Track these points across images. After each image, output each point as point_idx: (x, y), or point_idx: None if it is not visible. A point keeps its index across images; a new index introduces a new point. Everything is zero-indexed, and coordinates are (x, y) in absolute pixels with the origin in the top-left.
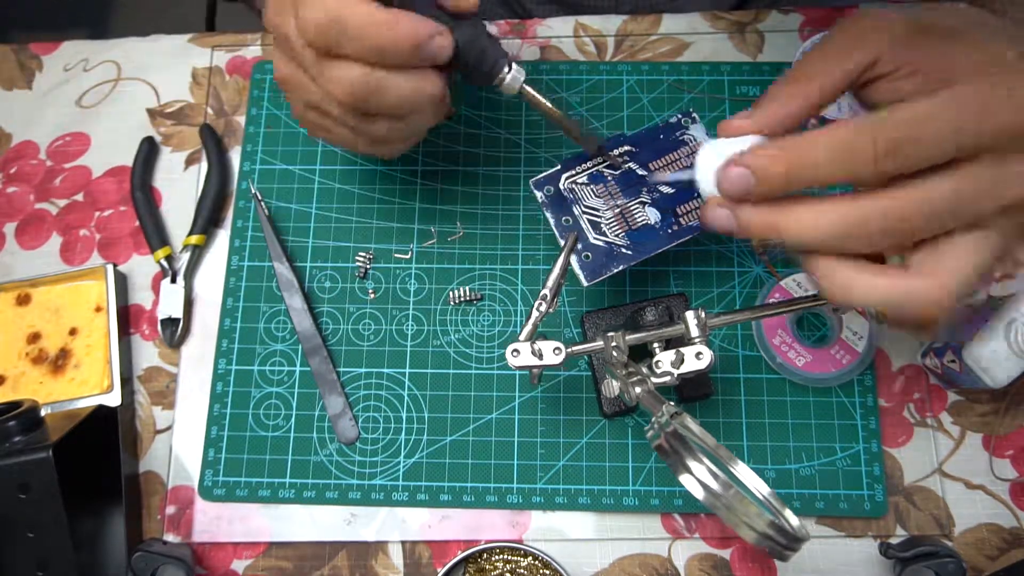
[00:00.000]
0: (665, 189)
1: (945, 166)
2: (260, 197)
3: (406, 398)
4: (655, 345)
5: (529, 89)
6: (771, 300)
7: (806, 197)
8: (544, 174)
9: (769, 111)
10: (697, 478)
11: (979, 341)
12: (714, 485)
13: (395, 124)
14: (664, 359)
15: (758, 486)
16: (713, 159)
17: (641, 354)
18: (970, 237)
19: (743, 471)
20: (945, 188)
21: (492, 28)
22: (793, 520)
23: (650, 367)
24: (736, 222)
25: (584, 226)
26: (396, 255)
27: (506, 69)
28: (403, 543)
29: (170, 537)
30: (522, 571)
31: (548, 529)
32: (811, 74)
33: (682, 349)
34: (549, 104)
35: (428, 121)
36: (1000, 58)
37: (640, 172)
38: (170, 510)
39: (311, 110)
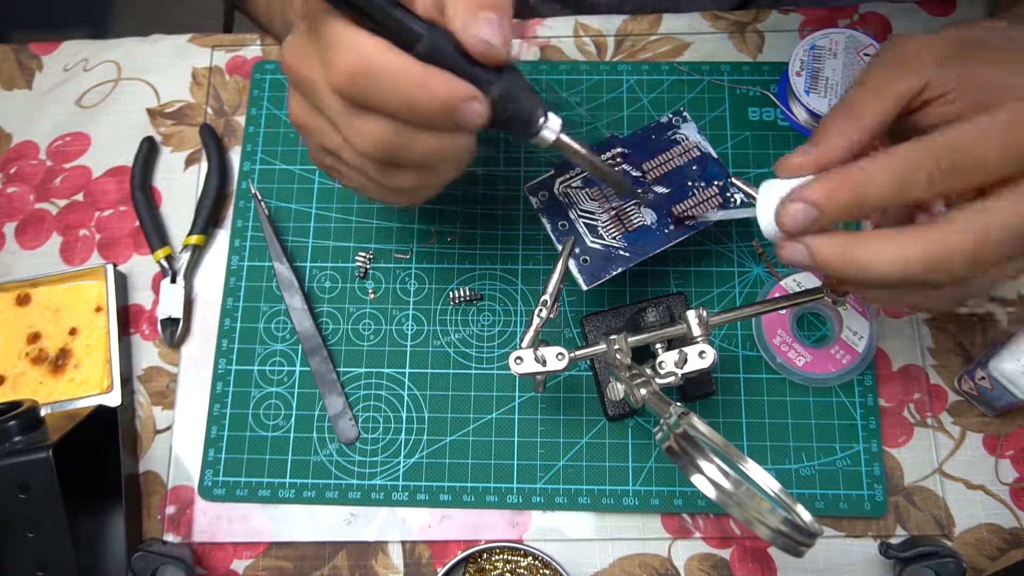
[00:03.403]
0: (660, 189)
1: (1008, 183)
2: (260, 197)
3: (406, 398)
4: (657, 346)
5: (566, 139)
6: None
7: (879, 230)
8: (538, 179)
9: (827, 147)
10: (709, 478)
11: (1005, 355)
12: (726, 484)
13: (418, 177)
14: (668, 359)
15: (768, 483)
16: (773, 200)
17: (643, 355)
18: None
19: (753, 468)
20: (1020, 208)
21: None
22: (805, 515)
23: (654, 368)
24: (812, 257)
25: (581, 230)
26: (396, 255)
27: (542, 120)
28: (403, 543)
29: (170, 537)
30: (522, 571)
31: (548, 529)
32: (863, 104)
33: (685, 349)
34: (587, 152)
35: (453, 175)
36: None
37: (635, 174)
38: (170, 510)
39: (329, 155)
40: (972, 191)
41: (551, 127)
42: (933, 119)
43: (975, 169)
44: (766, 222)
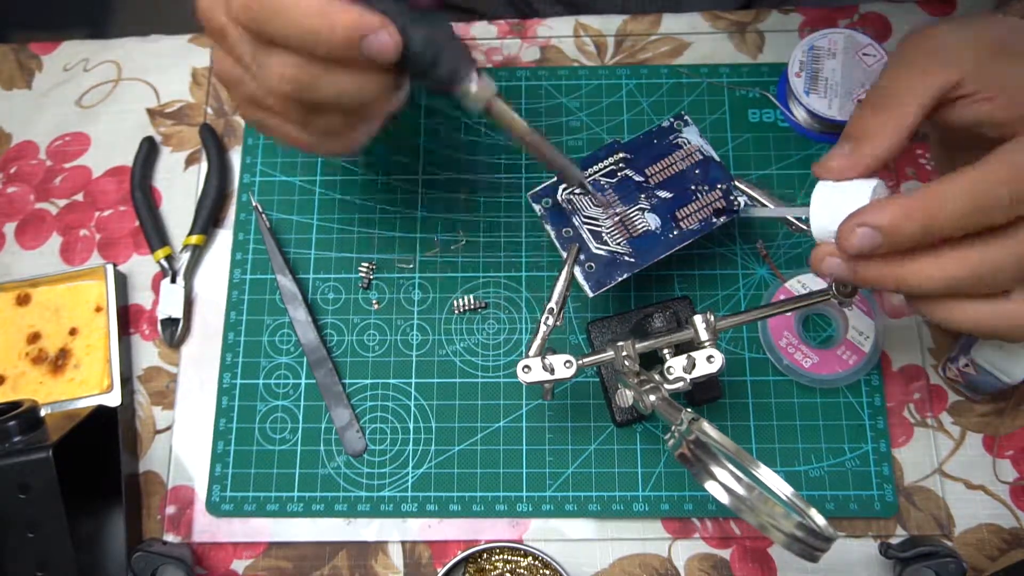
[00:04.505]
0: (663, 194)
1: None
2: (261, 209)
3: (413, 408)
4: (665, 351)
5: (501, 104)
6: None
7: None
8: (541, 186)
9: (872, 148)
10: (722, 484)
11: (987, 341)
12: (739, 489)
13: (343, 120)
14: (676, 365)
15: (781, 487)
16: (829, 208)
17: (650, 360)
18: None
19: (765, 473)
20: None
21: (485, 30)
22: (819, 519)
23: (662, 374)
24: (854, 275)
25: (585, 236)
26: (399, 265)
27: (472, 77)
28: (403, 543)
29: (170, 537)
30: (522, 571)
31: (548, 529)
32: (900, 98)
33: (693, 354)
34: (524, 124)
35: (380, 116)
36: None
37: (638, 179)
38: (170, 510)
39: (252, 106)
40: None
41: (482, 86)
42: (965, 117)
43: None
44: (820, 228)
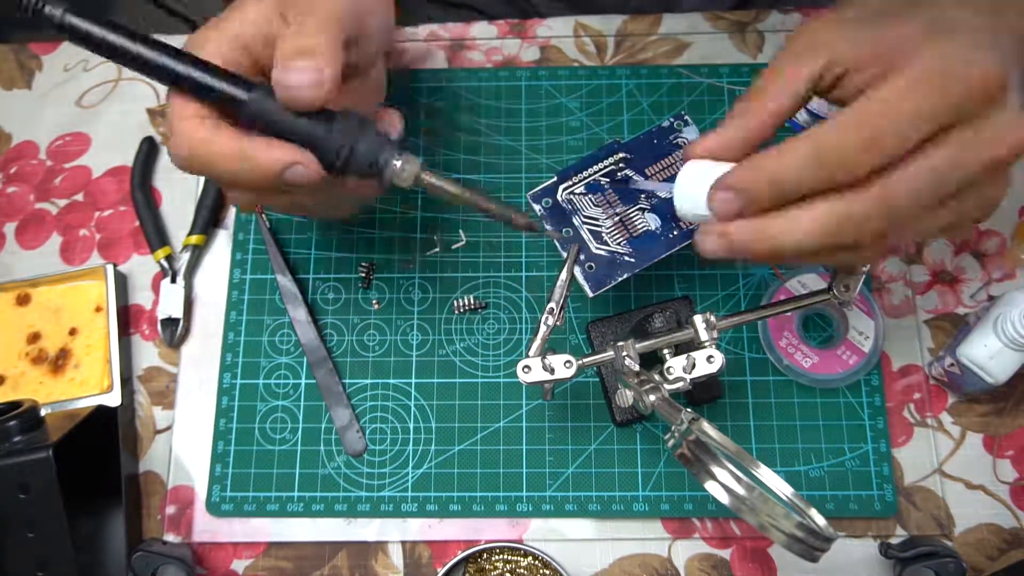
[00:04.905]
0: (663, 194)
1: (921, 145)
2: (261, 209)
3: (413, 408)
4: (665, 351)
5: (429, 178)
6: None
7: (793, 204)
8: (541, 187)
9: (732, 132)
10: (722, 484)
11: (972, 341)
12: (739, 489)
13: (323, 211)
14: (676, 365)
15: (781, 487)
16: (689, 182)
17: (650, 360)
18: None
19: (765, 473)
20: (924, 169)
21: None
22: (819, 519)
23: (662, 374)
24: (730, 247)
25: (585, 236)
26: (400, 264)
27: (394, 162)
28: (403, 543)
29: (170, 537)
30: (522, 571)
31: (548, 529)
32: (769, 89)
33: (693, 354)
34: (457, 190)
35: (349, 206)
36: (958, 23)
37: (636, 179)
38: (170, 510)
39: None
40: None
41: (406, 168)
42: (850, 92)
43: (890, 140)
44: (682, 205)
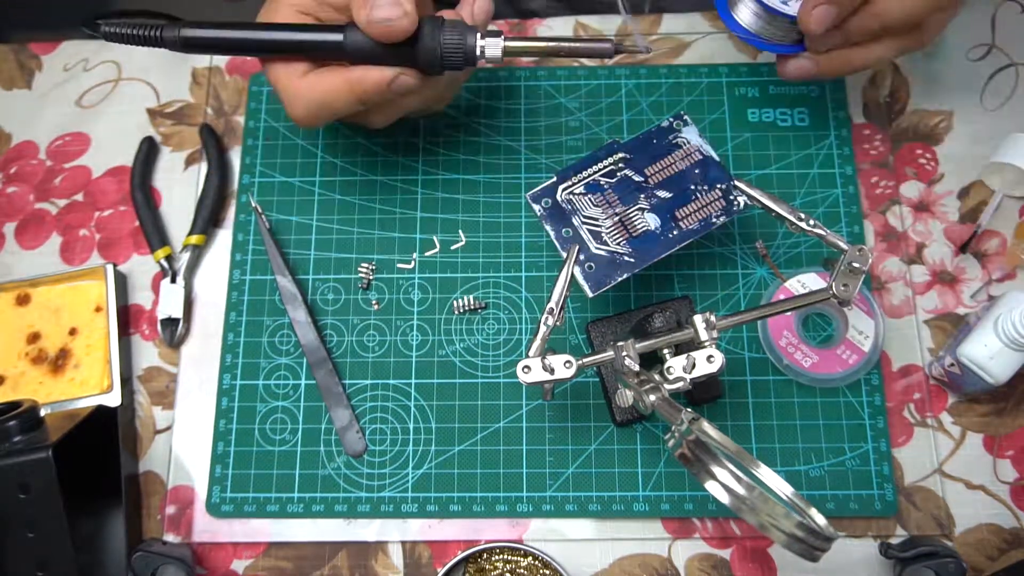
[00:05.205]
0: (663, 194)
1: None
2: (261, 210)
3: (413, 409)
4: (665, 351)
5: (514, 44)
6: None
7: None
8: (540, 187)
9: None
10: (723, 483)
11: (972, 341)
12: (739, 489)
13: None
14: (676, 365)
15: (781, 487)
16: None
17: (650, 360)
18: None
19: (766, 473)
20: None
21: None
22: (820, 519)
23: (662, 374)
24: (818, 68)
25: (585, 236)
26: (399, 265)
27: (480, 47)
28: (403, 543)
29: (170, 537)
30: (522, 571)
31: (548, 529)
32: None
33: (693, 353)
34: (542, 43)
35: (450, 90)
36: None
37: (637, 178)
38: (170, 510)
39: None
40: None
41: (493, 45)
42: None
43: None
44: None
